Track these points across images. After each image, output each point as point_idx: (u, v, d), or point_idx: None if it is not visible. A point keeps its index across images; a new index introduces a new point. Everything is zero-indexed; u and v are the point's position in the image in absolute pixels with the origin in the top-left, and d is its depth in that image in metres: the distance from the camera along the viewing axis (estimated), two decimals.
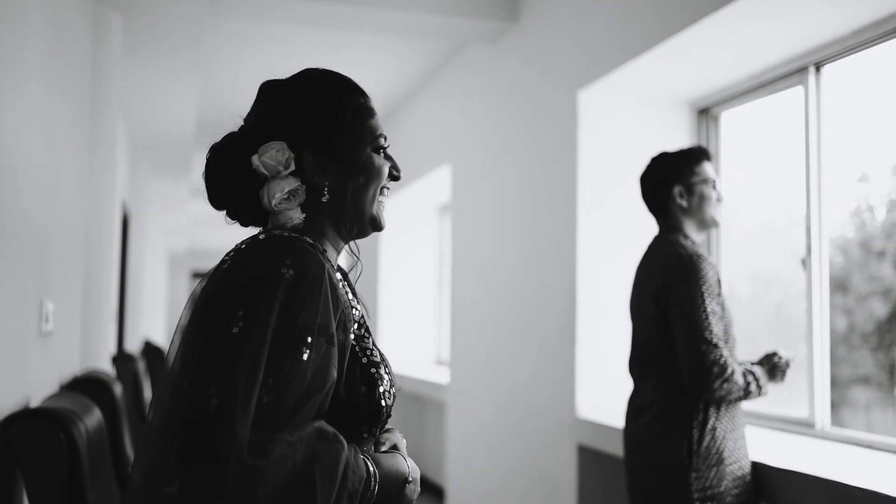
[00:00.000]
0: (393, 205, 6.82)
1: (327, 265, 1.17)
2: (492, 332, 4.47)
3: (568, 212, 3.57)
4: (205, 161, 1.27)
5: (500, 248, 4.39)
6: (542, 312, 3.83)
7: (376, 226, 1.31)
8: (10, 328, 2.17)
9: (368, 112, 1.30)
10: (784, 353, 2.50)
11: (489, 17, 4.12)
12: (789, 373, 2.50)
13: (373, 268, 7.07)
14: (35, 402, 2.47)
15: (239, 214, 1.27)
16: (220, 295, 1.11)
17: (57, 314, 2.86)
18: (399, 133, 6.52)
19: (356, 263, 1.37)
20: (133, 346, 7.21)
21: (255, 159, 1.21)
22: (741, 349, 2.67)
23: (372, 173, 1.28)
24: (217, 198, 1.26)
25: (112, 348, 4.68)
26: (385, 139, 1.31)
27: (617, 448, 3.03)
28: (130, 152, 6.99)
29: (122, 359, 4.74)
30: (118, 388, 3.11)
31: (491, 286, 4.50)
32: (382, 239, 6.90)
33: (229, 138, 1.27)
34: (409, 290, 6.93)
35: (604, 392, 3.48)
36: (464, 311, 4.96)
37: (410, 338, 6.90)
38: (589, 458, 3.44)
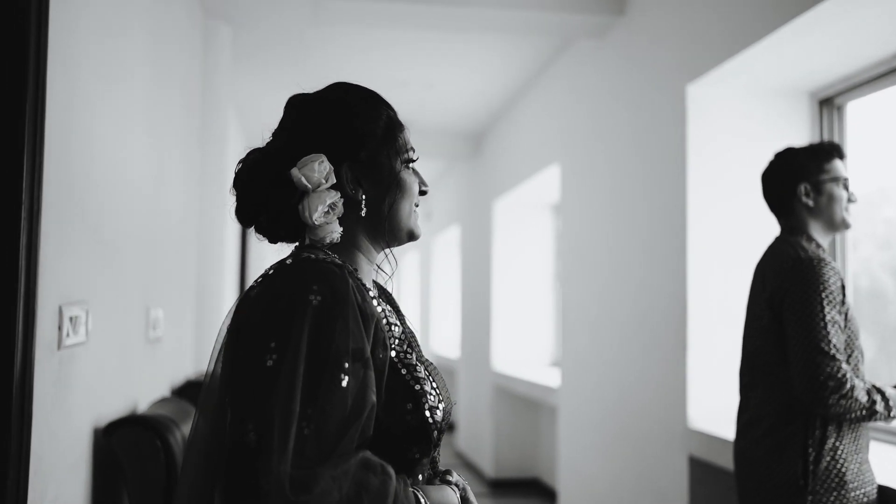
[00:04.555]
0: (505, 203, 6.76)
1: (353, 284, 1.12)
2: (601, 336, 4.34)
3: (677, 211, 3.41)
4: (234, 176, 1.23)
5: (608, 249, 4.26)
6: (651, 316, 3.68)
7: (413, 237, 1.29)
8: (116, 337, 2.25)
9: (400, 125, 1.28)
10: None
11: (595, 11, 4.00)
12: None
13: (485, 267, 7.03)
14: (143, 407, 2.56)
15: (269, 230, 1.23)
16: (251, 327, 1.09)
17: (166, 320, 2.96)
18: (508, 132, 6.45)
19: (391, 273, 1.34)
20: None
21: (295, 172, 1.17)
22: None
23: (405, 187, 1.26)
24: (248, 214, 1.22)
25: None
26: (414, 152, 1.29)
27: (730, 462, 2.86)
28: None
29: None
30: None
31: (599, 288, 4.37)
32: (495, 238, 6.85)
33: (256, 154, 1.23)
34: (522, 290, 6.84)
35: (717, 402, 3.30)
36: (573, 313, 4.85)
37: (524, 338, 6.82)
38: (701, 471, 3.27)
